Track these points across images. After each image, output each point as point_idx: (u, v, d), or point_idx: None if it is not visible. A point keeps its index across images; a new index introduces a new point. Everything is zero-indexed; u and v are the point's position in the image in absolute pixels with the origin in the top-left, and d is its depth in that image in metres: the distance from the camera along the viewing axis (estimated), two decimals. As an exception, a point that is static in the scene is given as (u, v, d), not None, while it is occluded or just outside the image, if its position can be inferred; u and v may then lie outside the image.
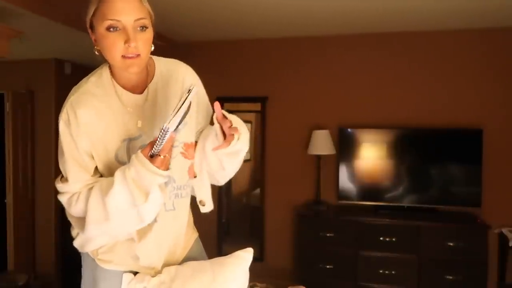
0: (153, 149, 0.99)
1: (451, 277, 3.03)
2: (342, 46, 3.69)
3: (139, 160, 1.00)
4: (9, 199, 3.48)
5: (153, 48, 1.12)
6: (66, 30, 2.57)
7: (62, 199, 1.14)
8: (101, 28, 1.04)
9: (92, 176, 1.14)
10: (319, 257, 3.28)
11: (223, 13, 3.02)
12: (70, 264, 3.69)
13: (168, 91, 1.18)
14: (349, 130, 3.52)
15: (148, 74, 1.17)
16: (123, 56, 1.04)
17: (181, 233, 1.32)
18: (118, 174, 1.04)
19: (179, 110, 0.95)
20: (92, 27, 1.09)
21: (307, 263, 3.32)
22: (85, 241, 1.19)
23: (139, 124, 1.14)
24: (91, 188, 1.10)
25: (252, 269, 1.36)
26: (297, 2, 2.83)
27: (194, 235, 1.43)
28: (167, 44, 3.73)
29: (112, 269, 1.23)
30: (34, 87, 3.63)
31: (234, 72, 3.86)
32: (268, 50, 3.77)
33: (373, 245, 3.18)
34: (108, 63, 1.13)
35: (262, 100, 3.79)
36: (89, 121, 1.09)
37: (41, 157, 3.63)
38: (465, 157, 3.29)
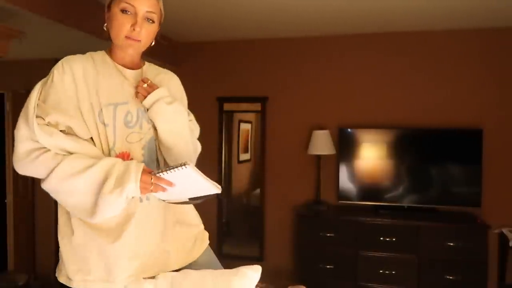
0: (157, 171, 1.11)
1: (451, 277, 3.04)
2: (342, 46, 3.69)
3: (136, 166, 1.12)
4: (9, 200, 3.48)
5: (153, 43, 1.30)
6: (66, 30, 2.57)
7: (24, 146, 1.13)
8: (116, 8, 1.20)
9: (65, 125, 1.16)
10: (319, 257, 3.28)
11: (223, 14, 3.02)
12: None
13: (156, 81, 1.31)
14: (349, 130, 3.52)
15: (138, 63, 1.33)
16: (126, 37, 1.20)
17: (165, 226, 1.29)
18: (108, 158, 1.14)
19: (176, 170, 1.07)
20: (109, 7, 1.24)
21: (307, 263, 3.32)
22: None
23: (130, 93, 1.25)
24: (60, 155, 1.13)
25: (252, 269, 1.35)
26: (297, 2, 2.83)
27: (201, 244, 1.41)
28: (169, 44, 3.73)
29: None
30: (34, 87, 3.63)
31: (234, 72, 3.86)
32: (268, 50, 3.77)
33: (373, 245, 3.18)
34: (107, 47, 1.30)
35: (262, 100, 3.79)
36: (82, 76, 1.20)
37: (41, 157, 3.63)
38: (465, 157, 3.29)
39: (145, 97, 1.23)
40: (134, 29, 1.19)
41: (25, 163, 1.16)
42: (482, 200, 3.25)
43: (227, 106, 3.91)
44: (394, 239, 3.14)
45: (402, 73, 3.57)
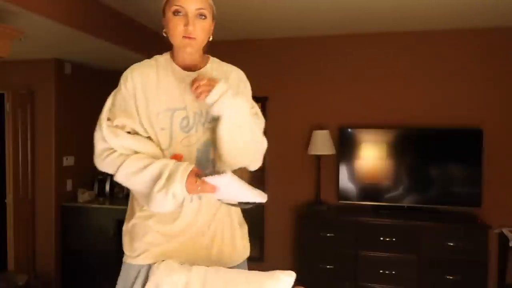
0: (203, 174, 1.19)
1: (451, 277, 3.03)
2: (342, 46, 3.69)
3: (184, 168, 1.19)
4: (9, 199, 3.48)
5: (211, 38, 1.36)
6: (66, 30, 2.57)
7: (99, 146, 1.31)
8: (169, 13, 1.27)
9: (131, 127, 1.29)
10: (319, 257, 3.28)
11: (223, 14, 3.02)
12: (70, 264, 3.69)
13: (218, 77, 1.32)
14: (349, 130, 3.52)
15: (201, 62, 1.37)
16: (184, 36, 1.26)
17: (213, 216, 1.36)
18: (163, 159, 1.24)
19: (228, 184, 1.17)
20: (164, 13, 1.31)
21: (307, 263, 3.32)
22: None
23: (188, 98, 1.30)
24: (124, 155, 1.27)
25: (252, 269, 1.35)
26: (296, 2, 2.83)
27: (243, 251, 1.45)
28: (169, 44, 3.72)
29: (140, 262, 1.31)
30: (34, 87, 3.62)
31: (234, 72, 3.85)
32: (268, 50, 3.76)
33: (373, 245, 3.18)
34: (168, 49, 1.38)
35: (262, 100, 3.79)
36: (141, 82, 1.30)
37: (41, 157, 3.62)
38: (465, 157, 3.29)
39: (209, 92, 1.21)
40: (187, 28, 1.24)
41: (99, 161, 1.32)
42: (482, 200, 3.25)
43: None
44: (394, 239, 3.14)
45: (402, 73, 3.57)
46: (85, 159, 3.94)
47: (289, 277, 1.23)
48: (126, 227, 1.37)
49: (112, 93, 1.34)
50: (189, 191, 1.19)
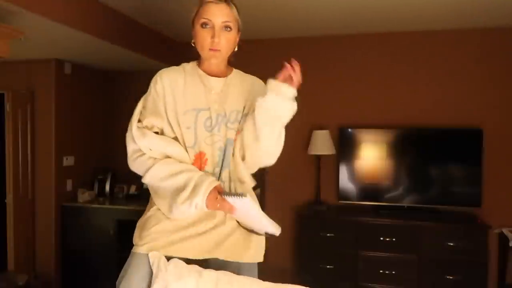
0: (224, 192, 1.26)
1: (451, 277, 3.03)
2: (342, 46, 3.69)
3: (209, 183, 1.26)
4: (9, 199, 3.47)
5: (236, 49, 1.47)
6: (66, 30, 2.57)
7: (130, 147, 1.38)
8: (197, 25, 1.38)
9: (159, 127, 1.38)
10: (319, 257, 3.28)
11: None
12: (70, 264, 3.69)
13: (239, 87, 1.46)
14: (349, 130, 3.52)
15: (225, 71, 1.47)
16: (210, 49, 1.36)
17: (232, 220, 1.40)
18: (189, 170, 1.31)
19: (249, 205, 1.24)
20: (193, 24, 1.42)
21: (307, 263, 3.32)
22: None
23: (212, 100, 1.39)
24: (152, 158, 1.35)
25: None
26: (296, 2, 2.83)
27: (254, 255, 1.50)
28: (169, 43, 3.73)
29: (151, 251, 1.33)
30: (34, 87, 3.62)
31: (234, 72, 3.84)
32: (268, 50, 3.76)
33: (373, 245, 3.18)
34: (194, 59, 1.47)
35: (262, 100, 3.78)
36: (169, 84, 1.38)
37: (41, 157, 3.62)
38: (465, 157, 3.29)
39: (293, 83, 1.28)
40: (213, 41, 1.34)
41: (130, 162, 1.40)
42: (482, 200, 3.25)
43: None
44: (394, 239, 3.14)
45: (402, 73, 3.57)
46: (85, 159, 3.94)
47: None
48: (140, 220, 1.43)
49: (143, 97, 1.42)
50: (209, 206, 1.27)
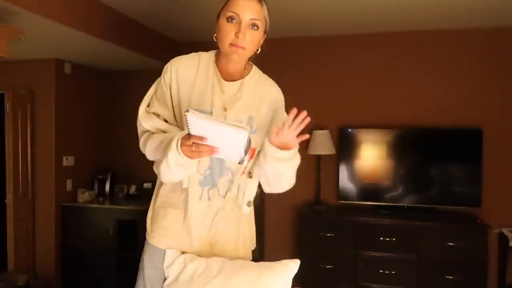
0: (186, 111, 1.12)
1: (451, 277, 3.03)
2: (342, 46, 3.69)
3: (181, 133, 1.18)
4: (9, 199, 3.47)
5: (259, 50, 1.38)
6: (66, 30, 2.57)
7: (139, 130, 1.38)
8: (222, 18, 1.28)
9: (165, 118, 1.35)
10: (319, 257, 3.28)
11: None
12: (70, 264, 3.69)
13: (251, 94, 1.37)
14: (349, 130, 3.52)
15: (243, 72, 1.39)
16: (231, 44, 1.26)
17: (231, 224, 1.40)
18: (172, 134, 1.25)
19: (204, 118, 1.10)
20: (218, 18, 1.31)
21: (307, 263, 3.31)
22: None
23: (217, 104, 1.32)
24: (150, 133, 1.35)
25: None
26: (297, 2, 2.83)
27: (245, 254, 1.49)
28: (169, 43, 3.73)
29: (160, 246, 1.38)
30: (34, 87, 3.62)
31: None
32: (268, 50, 3.76)
33: (373, 245, 3.18)
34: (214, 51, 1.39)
35: (262, 100, 3.78)
36: (179, 76, 1.33)
37: (41, 157, 3.62)
38: (465, 157, 3.29)
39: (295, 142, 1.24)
40: (238, 37, 1.24)
41: (140, 145, 1.37)
42: (482, 200, 3.25)
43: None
44: (394, 239, 3.14)
45: (402, 73, 3.57)
46: (85, 159, 3.94)
47: (294, 264, 1.41)
48: (151, 208, 1.45)
49: (156, 82, 1.39)
50: (186, 153, 1.15)
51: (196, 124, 1.10)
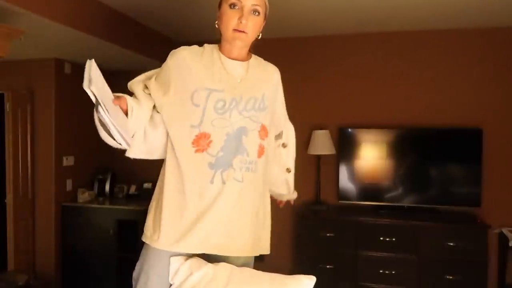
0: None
1: (451, 277, 3.03)
2: (342, 46, 3.69)
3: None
4: (9, 199, 3.47)
5: (260, 36, 1.42)
6: (66, 30, 2.57)
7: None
8: (225, 5, 1.33)
9: (153, 90, 1.40)
10: (319, 257, 3.28)
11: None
12: (70, 264, 3.69)
13: (259, 74, 1.44)
14: (349, 130, 3.52)
15: (246, 58, 1.44)
16: (234, 29, 1.31)
17: (247, 214, 1.40)
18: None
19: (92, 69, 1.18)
20: (220, 6, 1.37)
21: (307, 263, 3.32)
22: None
23: (229, 83, 1.36)
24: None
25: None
26: (297, 2, 2.83)
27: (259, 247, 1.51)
28: (169, 43, 3.73)
29: (165, 248, 1.35)
30: (34, 87, 3.62)
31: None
32: (268, 50, 3.75)
33: (373, 245, 3.18)
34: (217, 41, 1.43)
35: (262, 100, 3.78)
36: (182, 62, 1.36)
37: (41, 157, 3.62)
38: (465, 157, 3.29)
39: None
40: (241, 22, 1.30)
41: None
42: (482, 200, 3.25)
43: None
44: (394, 239, 3.14)
45: (402, 73, 3.57)
46: (85, 159, 3.94)
47: (310, 280, 1.41)
48: (151, 205, 1.46)
49: (161, 67, 1.43)
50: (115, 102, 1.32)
51: (96, 71, 1.20)
